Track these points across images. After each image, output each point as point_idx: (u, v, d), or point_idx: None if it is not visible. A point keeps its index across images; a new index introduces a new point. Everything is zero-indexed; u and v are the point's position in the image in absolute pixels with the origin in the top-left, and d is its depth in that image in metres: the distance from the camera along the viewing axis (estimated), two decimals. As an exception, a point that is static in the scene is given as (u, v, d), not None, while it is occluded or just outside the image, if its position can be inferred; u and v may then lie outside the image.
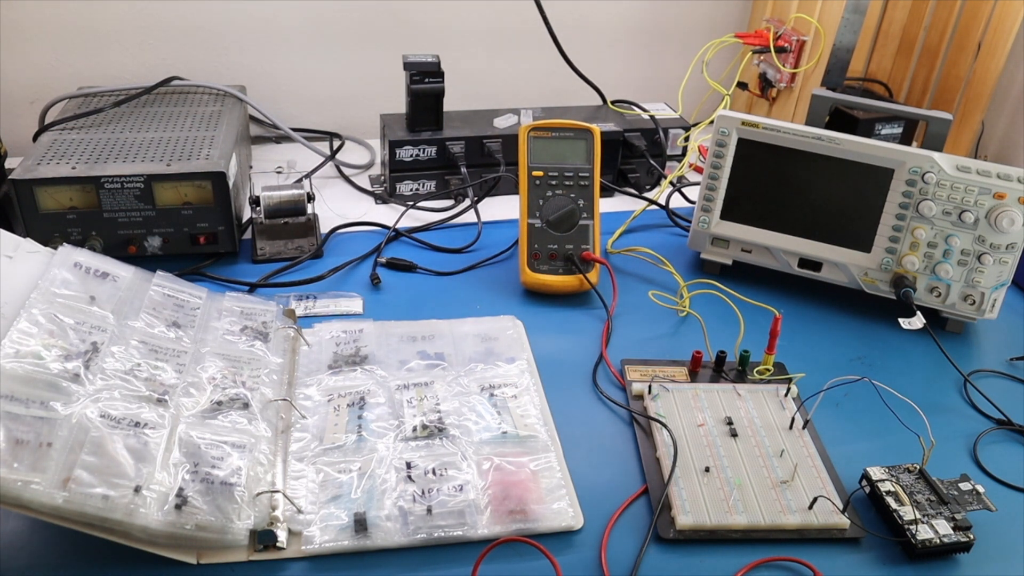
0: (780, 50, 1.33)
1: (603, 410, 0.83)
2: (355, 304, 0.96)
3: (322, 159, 1.28)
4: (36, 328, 0.69)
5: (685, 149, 1.31)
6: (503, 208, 1.19)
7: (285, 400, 0.78)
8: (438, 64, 1.16)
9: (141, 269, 0.84)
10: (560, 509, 0.70)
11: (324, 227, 1.11)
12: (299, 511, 0.68)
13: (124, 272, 0.81)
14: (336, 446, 0.74)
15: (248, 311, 0.87)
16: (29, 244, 0.78)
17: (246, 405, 0.74)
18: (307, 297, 0.97)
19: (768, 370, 0.87)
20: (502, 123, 1.23)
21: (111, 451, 0.64)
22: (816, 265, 1.01)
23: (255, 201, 1.05)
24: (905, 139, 1.26)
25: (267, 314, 0.88)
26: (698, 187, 1.06)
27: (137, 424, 0.67)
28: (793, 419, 0.80)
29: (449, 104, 1.20)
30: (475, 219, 1.15)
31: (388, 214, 1.17)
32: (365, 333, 0.88)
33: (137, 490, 0.62)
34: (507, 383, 0.83)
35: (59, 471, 0.61)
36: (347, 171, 1.29)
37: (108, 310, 0.76)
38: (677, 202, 1.24)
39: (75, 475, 0.61)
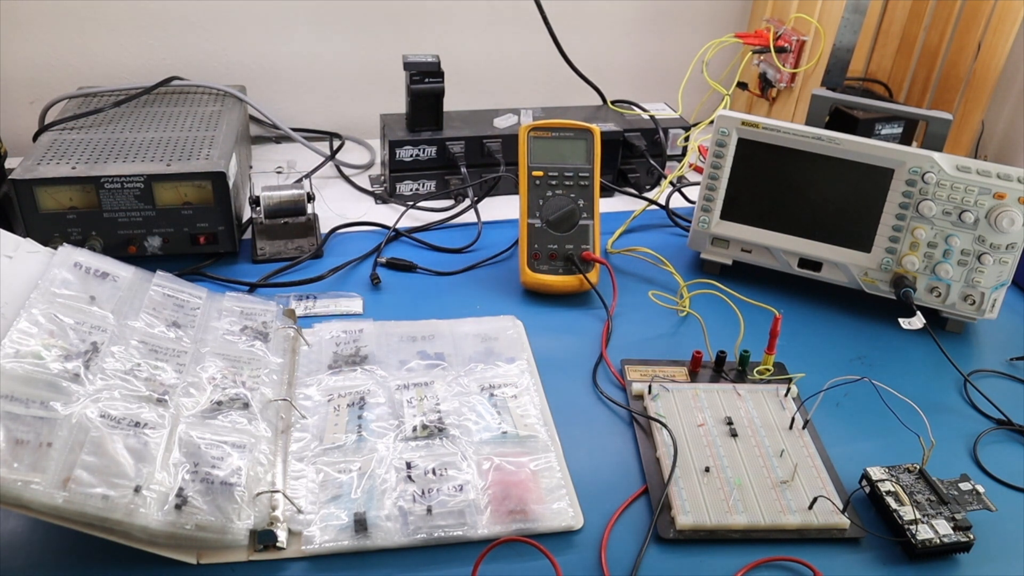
0: (780, 50, 1.33)
1: (603, 410, 0.83)
2: (355, 304, 0.96)
3: (322, 159, 1.28)
4: (36, 328, 0.69)
5: (685, 149, 1.31)
6: (503, 208, 1.19)
7: (285, 400, 0.78)
8: (438, 64, 1.16)
9: (141, 269, 0.84)
10: (560, 509, 0.70)
11: (324, 227, 1.11)
12: (299, 511, 0.68)
13: (124, 272, 0.81)
14: (336, 446, 0.74)
15: (248, 311, 0.87)
16: (29, 244, 0.78)
17: (246, 405, 0.74)
18: (307, 297, 0.97)
19: (768, 370, 0.87)
20: (502, 123, 1.23)
21: (111, 451, 0.64)
22: (816, 265, 1.01)
23: (255, 201, 1.05)
24: (905, 139, 1.26)
25: (267, 314, 0.88)
26: (698, 187, 1.06)
27: (137, 424, 0.67)
28: (793, 419, 0.80)
29: (449, 104, 1.20)
30: (475, 219, 1.15)
31: (388, 214, 1.17)
32: (365, 333, 0.88)
33: (137, 490, 0.62)
34: (507, 383, 0.83)
35: (59, 471, 0.61)
36: (347, 171, 1.29)
37: (108, 310, 0.76)
38: (677, 202, 1.24)
39: (75, 475, 0.61)
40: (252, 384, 0.77)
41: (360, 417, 0.77)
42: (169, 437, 0.68)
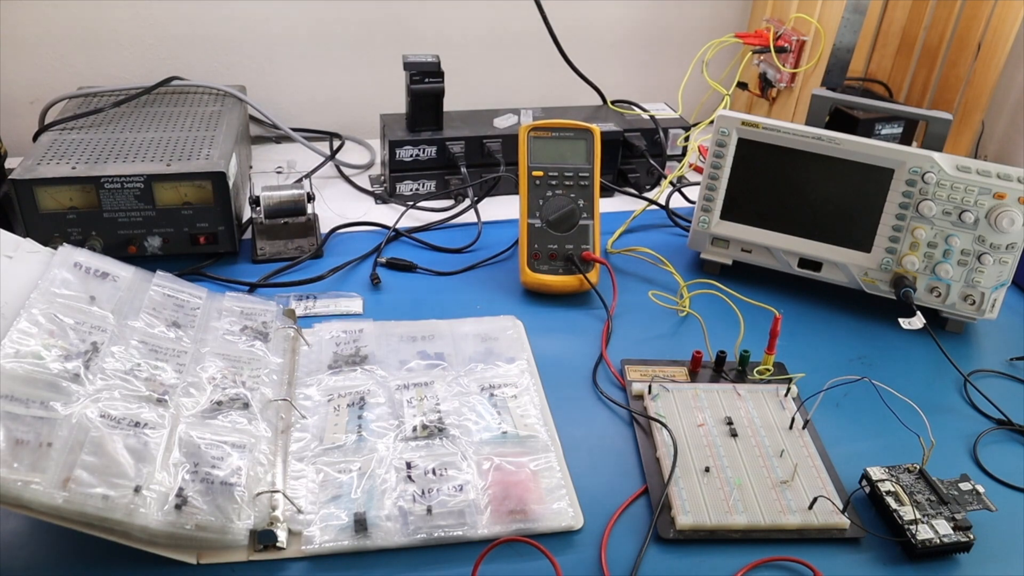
0: (780, 50, 1.33)
1: (603, 410, 0.83)
2: (355, 304, 0.96)
3: (322, 159, 1.28)
4: (36, 328, 0.69)
5: (685, 149, 1.31)
6: (503, 208, 1.19)
7: (285, 400, 0.78)
8: (438, 64, 1.16)
9: (141, 269, 0.84)
10: (560, 509, 0.70)
11: (324, 227, 1.11)
12: (299, 511, 0.68)
13: (124, 272, 0.81)
14: (336, 446, 0.74)
15: (248, 311, 0.87)
16: (29, 244, 0.78)
17: (246, 405, 0.74)
18: (307, 297, 0.97)
19: (768, 370, 0.87)
20: (502, 123, 1.23)
21: (111, 451, 0.64)
22: (816, 265, 1.01)
23: (255, 201, 1.05)
24: (905, 139, 1.26)
25: (267, 314, 0.88)
26: (698, 187, 1.06)
27: (137, 424, 0.67)
28: (793, 419, 0.80)
29: (449, 104, 1.20)
30: (475, 219, 1.15)
31: (388, 214, 1.17)
32: (365, 333, 0.88)
33: (137, 490, 0.62)
34: (507, 383, 0.83)
35: (59, 471, 0.60)
36: (347, 171, 1.29)
37: (108, 310, 0.76)
38: (677, 202, 1.24)
39: (75, 475, 0.61)
40: (252, 384, 0.77)
41: (360, 417, 0.77)
42: (169, 437, 0.68)
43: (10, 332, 0.67)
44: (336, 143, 1.36)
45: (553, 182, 1.00)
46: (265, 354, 0.82)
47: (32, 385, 0.65)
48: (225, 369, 0.78)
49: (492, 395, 0.81)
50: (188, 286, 0.86)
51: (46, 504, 0.59)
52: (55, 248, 0.79)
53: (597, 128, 1.02)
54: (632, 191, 1.25)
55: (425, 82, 1.16)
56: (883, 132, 1.24)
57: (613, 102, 1.35)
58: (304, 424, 0.77)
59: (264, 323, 0.86)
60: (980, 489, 0.72)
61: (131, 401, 0.69)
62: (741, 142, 0.99)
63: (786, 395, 0.84)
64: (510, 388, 0.82)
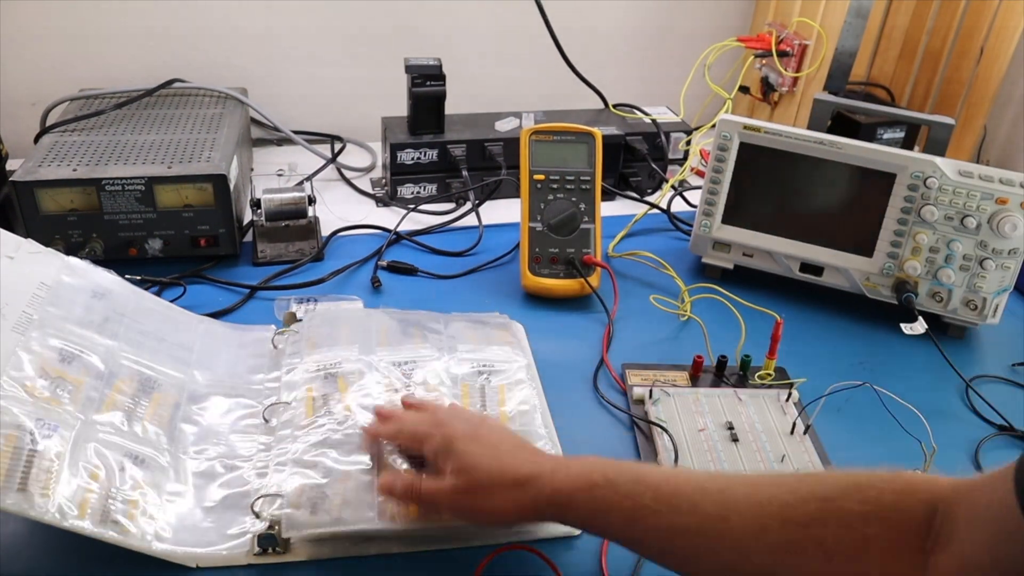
0: (782, 54, 1.33)
1: (604, 414, 0.83)
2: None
3: (323, 162, 1.28)
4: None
5: (687, 153, 1.31)
6: (504, 211, 1.19)
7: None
8: (440, 67, 1.16)
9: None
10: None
11: (325, 230, 1.11)
12: (298, 513, 0.67)
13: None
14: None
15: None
16: (30, 244, 0.78)
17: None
18: (308, 300, 0.96)
19: (769, 375, 0.87)
20: (504, 126, 1.23)
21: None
22: (818, 270, 1.01)
23: (256, 203, 1.05)
24: (907, 144, 1.26)
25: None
26: (700, 191, 1.05)
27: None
28: (794, 424, 0.80)
29: (450, 107, 1.20)
30: (476, 222, 1.15)
31: (389, 217, 1.17)
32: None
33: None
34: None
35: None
36: (348, 174, 1.29)
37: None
38: (679, 206, 1.24)
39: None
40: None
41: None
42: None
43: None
44: (337, 146, 1.36)
45: (554, 186, 1.00)
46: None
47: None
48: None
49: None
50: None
51: (43, 517, 0.59)
52: (56, 250, 0.79)
53: (599, 132, 1.02)
54: (634, 195, 1.25)
55: (427, 85, 1.16)
56: (885, 137, 1.23)
57: (615, 106, 1.35)
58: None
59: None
60: (982, 495, 0.72)
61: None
62: (743, 146, 0.99)
63: (787, 400, 0.83)
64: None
